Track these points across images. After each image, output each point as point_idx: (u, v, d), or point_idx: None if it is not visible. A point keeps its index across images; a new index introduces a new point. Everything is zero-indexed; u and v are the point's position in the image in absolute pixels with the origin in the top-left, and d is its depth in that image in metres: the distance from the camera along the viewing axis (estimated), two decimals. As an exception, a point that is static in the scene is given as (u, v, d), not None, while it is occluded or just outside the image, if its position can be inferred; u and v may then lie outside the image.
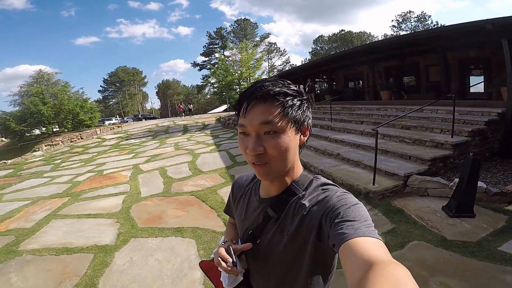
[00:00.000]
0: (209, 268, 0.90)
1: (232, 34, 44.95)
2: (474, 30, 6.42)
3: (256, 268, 0.74)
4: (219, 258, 0.70)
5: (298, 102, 0.62)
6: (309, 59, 49.90)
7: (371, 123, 7.20)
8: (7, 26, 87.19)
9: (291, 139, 0.61)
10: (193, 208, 3.94)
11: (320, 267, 0.66)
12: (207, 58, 44.80)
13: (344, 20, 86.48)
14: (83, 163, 8.61)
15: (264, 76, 23.14)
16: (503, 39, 5.71)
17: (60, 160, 9.79)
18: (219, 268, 0.76)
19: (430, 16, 54.07)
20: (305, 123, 0.65)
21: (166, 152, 8.49)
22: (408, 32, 38.44)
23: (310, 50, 52.31)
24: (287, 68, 45.00)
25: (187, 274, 2.44)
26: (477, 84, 8.70)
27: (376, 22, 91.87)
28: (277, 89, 0.60)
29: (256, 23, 48.39)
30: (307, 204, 0.64)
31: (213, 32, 44.86)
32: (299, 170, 0.70)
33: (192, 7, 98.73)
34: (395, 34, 41.83)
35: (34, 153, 12.38)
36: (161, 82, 61.60)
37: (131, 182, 5.49)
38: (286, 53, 50.31)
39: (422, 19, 42.09)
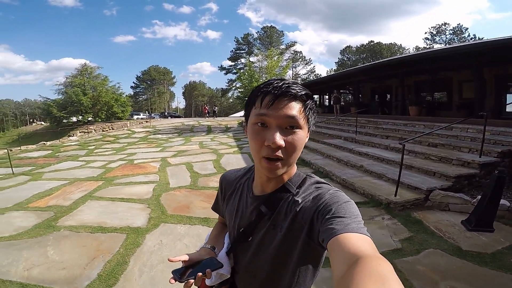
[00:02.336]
0: None
1: (258, 41, 45.85)
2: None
3: (244, 266, 0.75)
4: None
5: (314, 106, 0.66)
6: (335, 69, 49.64)
7: (397, 138, 7.09)
8: (57, 21, 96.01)
9: (304, 137, 0.64)
10: (219, 202, 4.16)
11: (308, 264, 0.67)
12: (233, 63, 46.07)
13: (373, 30, 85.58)
14: (115, 151, 9.24)
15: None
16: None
17: (93, 147, 10.55)
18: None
19: (467, 28, 51.69)
20: (312, 126, 0.68)
21: (191, 149, 8.91)
22: (442, 45, 37.10)
23: (337, 60, 52.09)
24: (311, 78, 44.88)
25: (212, 259, 2.61)
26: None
27: (408, 34, 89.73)
28: (303, 91, 0.62)
29: (282, 31, 49.31)
30: (300, 201, 0.65)
31: (241, 38, 46.22)
32: (294, 169, 0.71)
33: (221, 12, 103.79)
34: (428, 47, 40.54)
35: (70, 138, 13.44)
36: (188, 83, 64.07)
37: (160, 173, 5.86)
38: (311, 62, 50.39)
39: (458, 31, 40.62)
